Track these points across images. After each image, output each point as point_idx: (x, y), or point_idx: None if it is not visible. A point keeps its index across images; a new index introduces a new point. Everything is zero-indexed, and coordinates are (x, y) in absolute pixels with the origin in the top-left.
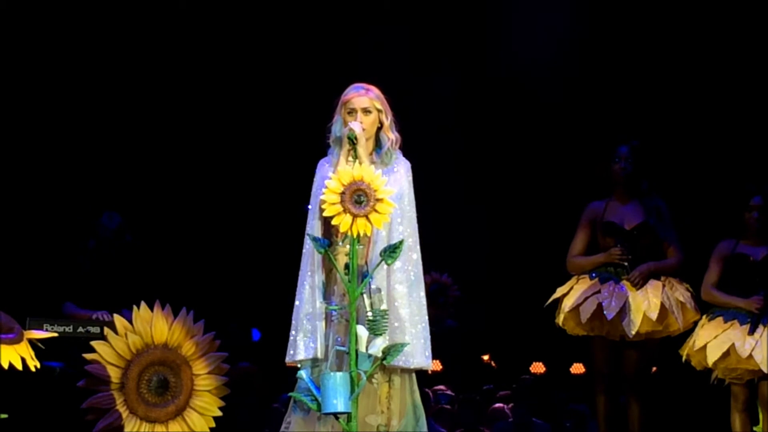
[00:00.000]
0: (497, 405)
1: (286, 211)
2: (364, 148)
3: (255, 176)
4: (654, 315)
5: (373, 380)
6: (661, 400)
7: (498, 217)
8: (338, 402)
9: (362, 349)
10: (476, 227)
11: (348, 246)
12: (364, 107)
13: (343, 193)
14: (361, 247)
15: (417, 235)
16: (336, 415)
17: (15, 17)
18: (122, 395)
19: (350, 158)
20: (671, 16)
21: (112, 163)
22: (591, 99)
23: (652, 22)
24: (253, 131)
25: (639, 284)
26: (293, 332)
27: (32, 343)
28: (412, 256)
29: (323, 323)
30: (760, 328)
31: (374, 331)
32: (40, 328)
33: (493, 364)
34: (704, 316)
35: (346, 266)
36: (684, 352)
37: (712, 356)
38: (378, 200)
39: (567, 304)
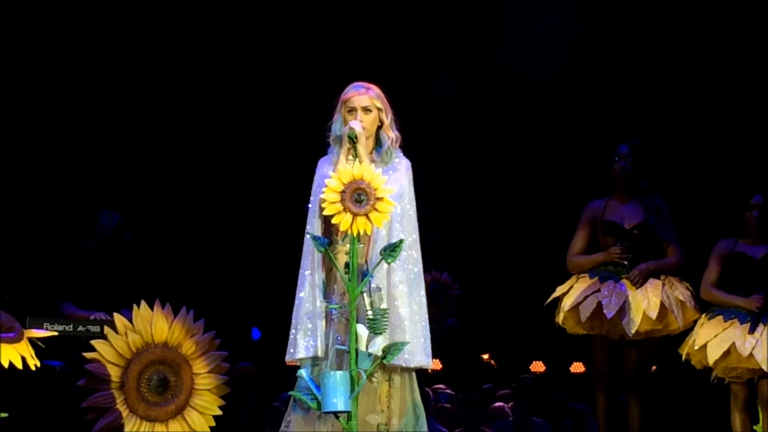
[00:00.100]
0: (497, 404)
1: (286, 209)
2: (364, 146)
3: (255, 175)
4: (654, 314)
5: (373, 379)
6: (661, 399)
7: (498, 217)
8: (338, 401)
9: (362, 347)
10: (476, 227)
11: (348, 245)
12: (365, 106)
13: (343, 192)
14: (361, 245)
15: (417, 233)
16: (336, 414)
17: (15, 17)
18: (122, 394)
19: (350, 157)
20: (671, 16)
21: (112, 162)
22: (591, 99)
23: (652, 22)
24: (253, 130)
25: (639, 283)
26: (293, 331)
27: (32, 342)
28: (412, 255)
29: (323, 322)
30: (761, 327)
31: (374, 330)
32: (41, 327)
33: (493, 363)
34: (703, 315)
35: (346, 265)
36: (684, 351)
37: (712, 355)
38: (378, 199)
39: (567, 302)
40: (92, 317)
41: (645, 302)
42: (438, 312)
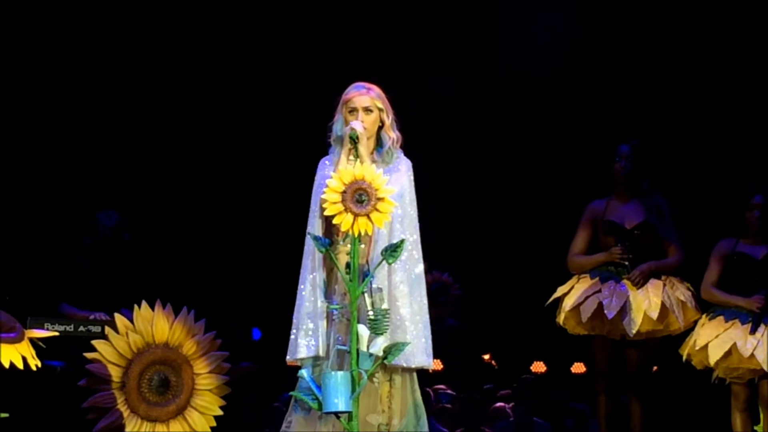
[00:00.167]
0: (498, 404)
1: (287, 210)
2: (365, 147)
3: (255, 175)
4: (654, 314)
5: (374, 379)
6: (662, 400)
7: (498, 217)
8: (339, 401)
9: (363, 348)
10: (476, 227)
11: (349, 245)
12: (366, 106)
13: (344, 192)
14: (362, 246)
15: (418, 234)
16: (337, 414)
17: (15, 17)
18: (123, 394)
19: (351, 157)
20: (671, 16)
21: (112, 161)
22: (591, 99)
23: (652, 22)
24: (253, 130)
25: (640, 283)
26: (294, 331)
27: (33, 342)
28: (413, 255)
29: (324, 322)
30: (762, 327)
31: (375, 330)
32: (41, 327)
33: (493, 363)
34: (704, 315)
35: (347, 265)
36: (684, 352)
37: (713, 356)
38: (379, 199)
39: (568, 303)
40: (92, 317)
41: (646, 302)
42: (439, 312)
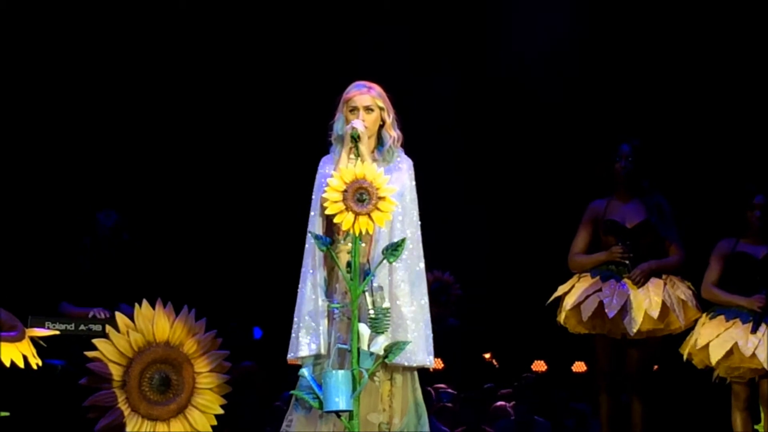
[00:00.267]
0: (499, 403)
1: (288, 208)
2: (366, 145)
3: (256, 174)
4: (655, 313)
5: (375, 378)
6: (663, 399)
7: (498, 217)
8: (340, 400)
9: (364, 347)
10: (476, 227)
11: (350, 244)
12: (366, 105)
13: (345, 191)
14: (363, 244)
15: (419, 233)
16: (338, 413)
17: (15, 16)
18: (124, 393)
19: (352, 156)
20: (671, 16)
21: (111, 161)
22: (591, 99)
23: (652, 22)
24: (253, 130)
25: (640, 282)
26: (295, 329)
27: (34, 340)
28: (414, 254)
29: (325, 321)
30: (763, 326)
31: (376, 329)
32: (42, 326)
33: (494, 362)
34: (704, 315)
35: (348, 264)
36: (685, 351)
37: (714, 355)
38: (380, 198)
39: (568, 302)
40: (90, 314)
41: (646, 301)
42: (440, 311)
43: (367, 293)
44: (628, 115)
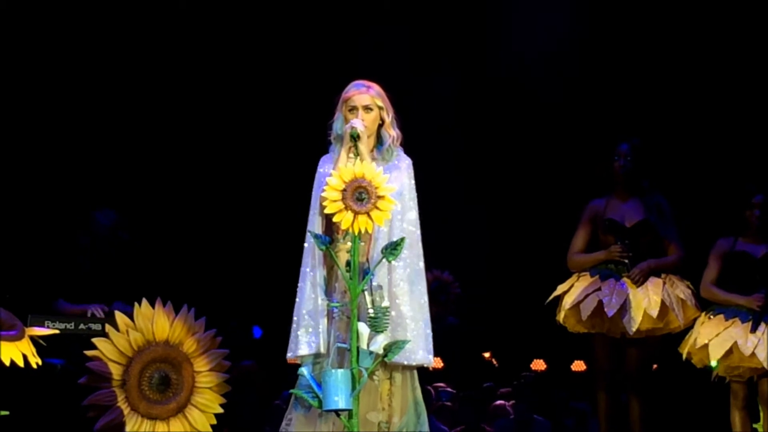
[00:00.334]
0: (498, 402)
1: (287, 207)
2: (366, 145)
3: (256, 173)
4: (654, 312)
5: (374, 377)
6: (662, 398)
7: (498, 217)
8: (339, 399)
9: (363, 346)
10: (476, 227)
11: (349, 243)
12: (365, 105)
13: (344, 191)
14: (362, 244)
15: (419, 231)
16: (337, 412)
17: (14, 15)
18: (123, 392)
19: (351, 155)
20: (671, 16)
21: (111, 159)
22: (591, 99)
23: (652, 22)
24: (253, 129)
25: (639, 281)
26: (294, 328)
27: (33, 340)
28: (413, 253)
29: (325, 320)
30: (762, 325)
31: (375, 328)
32: (42, 325)
33: (494, 361)
34: (703, 314)
35: (348, 263)
36: (684, 350)
37: (714, 354)
38: (379, 197)
39: (568, 301)
40: (89, 312)
41: (646, 301)
42: (439, 310)
43: (366, 292)
44: (627, 115)
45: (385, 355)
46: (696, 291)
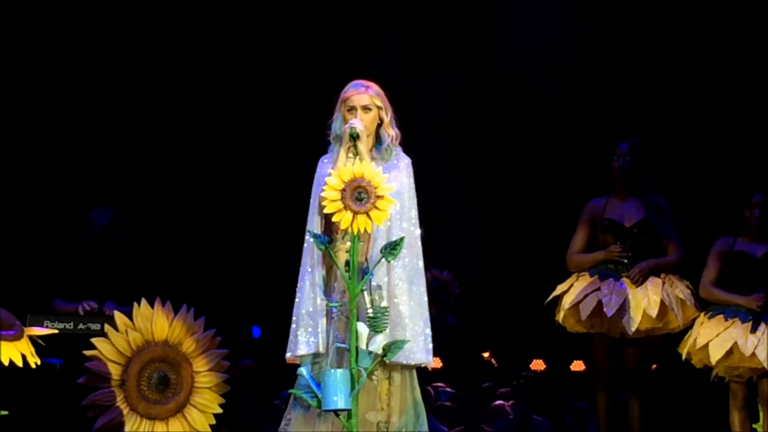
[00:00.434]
0: (497, 402)
1: (287, 207)
2: (365, 144)
3: (255, 173)
4: (654, 312)
5: (373, 377)
6: (661, 398)
7: (498, 217)
8: (338, 399)
9: (362, 346)
10: (476, 227)
11: (348, 243)
12: (364, 105)
13: (343, 190)
14: (361, 243)
15: (418, 231)
16: (336, 412)
17: (13, 15)
18: (122, 392)
19: (350, 155)
20: (671, 16)
21: (109, 157)
22: (591, 98)
23: (652, 22)
24: (253, 129)
25: (639, 281)
26: (293, 327)
27: (32, 339)
28: (413, 253)
29: (324, 320)
30: (762, 325)
31: (375, 328)
32: (41, 325)
33: (493, 361)
34: (702, 314)
35: (347, 263)
36: (684, 351)
37: (714, 355)
38: (379, 197)
39: (567, 301)
40: (80, 308)
41: (645, 300)
42: (438, 310)
43: (365, 292)
44: (627, 114)
45: (384, 355)
46: (695, 291)
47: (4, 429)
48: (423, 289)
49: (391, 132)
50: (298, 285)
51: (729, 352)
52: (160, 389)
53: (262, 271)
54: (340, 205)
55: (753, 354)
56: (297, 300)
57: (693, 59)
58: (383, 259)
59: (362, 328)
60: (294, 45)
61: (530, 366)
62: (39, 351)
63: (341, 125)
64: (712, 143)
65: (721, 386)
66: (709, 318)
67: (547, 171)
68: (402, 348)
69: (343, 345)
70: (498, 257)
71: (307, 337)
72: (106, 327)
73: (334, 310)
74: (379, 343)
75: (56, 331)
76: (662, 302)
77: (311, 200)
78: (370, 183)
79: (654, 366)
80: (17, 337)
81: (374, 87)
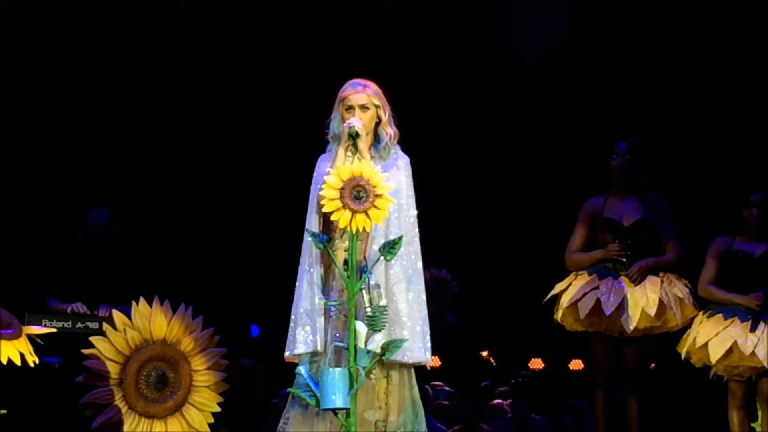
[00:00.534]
0: (496, 401)
1: (285, 206)
2: (364, 143)
3: (254, 172)
4: (652, 311)
5: (372, 376)
6: (660, 396)
7: (498, 217)
8: (337, 398)
9: (361, 344)
10: (476, 227)
11: (347, 241)
12: (362, 104)
13: (342, 189)
14: (359, 242)
15: (417, 230)
16: (334, 410)
17: (13, 14)
18: (121, 391)
19: (348, 154)
20: (671, 16)
21: (107, 156)
22: (591, 98)
23: (652, 22)
24: (252, 128)
25: (637, 280)
26: (292, 326)
27: (31, 338)
28: (411, 252)
29: (322, 318)
30: (762, 324)
31: (373, 326)
32: (39, 324)
33: (491, 360)
34: (701, 313)
35: (345, 262)
36: (683, 350)
37: (714, 354)
38: (377, 196)
39: (565, 299)
40: (69, 309)
41: (643, 299)
42: (437, 309)
43: (364, 291)
44: (627, 114)
45: (383, 354)
46: (694, 290)
47: (3, 428)
48: (422, 287)
49: (389, 130)
50: (297, 284)
51: (729, 352)
52: (159, 388)
53: (261, 269)
54: (338, 203)
55: (753, 353)
56: (295, 299)
57: (693, 59)
58: (381, 258)
59: (361, 327)
60: (294, 45)
61: (529, 365)
62: (37, 350)
63: (339, 124)
64: (712, 143)
65: (719, 385)
66: (708, 317)
67: (547, 170)
68: (400, 347)
69: (341, 344)
70: (497, 256)
71: (305, 335)
72: (105, 326)
73: (333, 308)
74: (377, 341)
75: (54, 330)
76: (661, 301)
77: (310, 199)
78: (368, 182)
79: (652, 365)
80: (16, 336)
81: (372, 86)
